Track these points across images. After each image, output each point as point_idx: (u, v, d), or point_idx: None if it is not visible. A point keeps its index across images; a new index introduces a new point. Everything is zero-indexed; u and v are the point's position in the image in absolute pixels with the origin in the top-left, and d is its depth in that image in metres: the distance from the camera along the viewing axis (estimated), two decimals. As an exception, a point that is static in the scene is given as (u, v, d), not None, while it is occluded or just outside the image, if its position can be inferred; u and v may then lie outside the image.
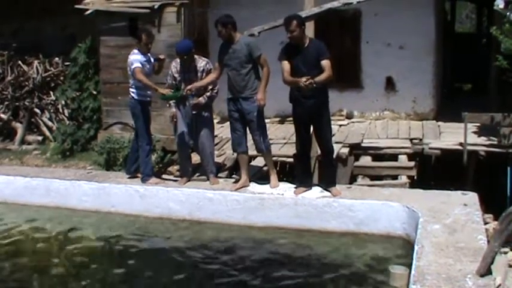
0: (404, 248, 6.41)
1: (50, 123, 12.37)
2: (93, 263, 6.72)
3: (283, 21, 7.06)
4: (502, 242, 4.78)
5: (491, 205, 7.08)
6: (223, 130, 10.62)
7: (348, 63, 11.23)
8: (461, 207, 6.59)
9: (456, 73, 14.84)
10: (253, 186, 7.66)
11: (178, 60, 7.82)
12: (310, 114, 7.10)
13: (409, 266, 5.32)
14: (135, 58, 7.84)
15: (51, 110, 12.49)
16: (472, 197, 6.92)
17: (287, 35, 6.98)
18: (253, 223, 7.30)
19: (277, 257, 6.62)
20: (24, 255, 7.01)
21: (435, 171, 9.03)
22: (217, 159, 8.62)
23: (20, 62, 12.77)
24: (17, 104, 12.66)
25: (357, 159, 9.18)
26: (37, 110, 12.52)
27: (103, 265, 6.68)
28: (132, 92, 8.00)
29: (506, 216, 4.71)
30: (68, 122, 11.76)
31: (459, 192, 7.14)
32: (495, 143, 8.87)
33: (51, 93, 12.52)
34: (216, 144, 9.18)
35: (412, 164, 8.82)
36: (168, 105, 8.13)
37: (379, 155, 9.28)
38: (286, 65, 7.03)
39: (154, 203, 7.80)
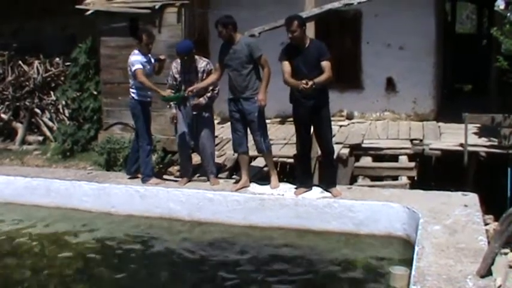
0: (404, 249, 6.40)
1: (50, 124, 12.37)
2: (93, 264, 6.71)
3: (284, 22, 7.06)
4: (502, 243, 4.78)
5: (491, 206, 7.09)
6: (223, 131, 10.62)
7: (348, 64, 11.23)
8: (462, 208, 6.59)
9: (456, 74, 14.83)
10: (254, 187, 7.66)
11: (178, 60, 7.82)
12: (311, 114, 7.11)
13: (409, 266, 5.32)
14: (136, 59, 7.84)
15: (52, 110, 12.49)
16: (473, 198, 6.92)
17: (288, 35, 6.98)
18: (254, 224, 7.30)
19: (278, 257, 6.61)
20: (24, 255, 6.98)
21: (435, 172, 9.03)
22: (217, 160, 8.62)
23: (20, 62, 12.77)
24: (17, 104, 12.66)
25: (357, 160, 9.18)
26: (37, 110, 12.52)
27: (103, 266, 6.66)
28: (133, 92, 7.99)
29: (506, 217, 4.71)
30: (68, 122, 11.76)
31: (459, 193, 7.14)
32: (495, 143, 8.87)
33: (52, 93, 12.52)
34: (217, 145, 9.17)
35: (413, 164, 8.82)
36: (168, 106, 8.13)
37: (379, 156, 9.28)
38: (286, 65, 7.03)
39: (154, 203, 7.80)
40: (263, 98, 7.31)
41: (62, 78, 12.51)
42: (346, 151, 9.07)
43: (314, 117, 7.14)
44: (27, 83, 12.69)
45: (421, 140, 9.52)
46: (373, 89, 11.59)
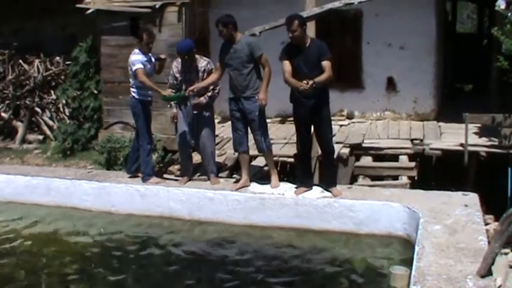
0: (404, 249, 6.40)
1: (50, 122, 12.37)
2: (93, 263, 6.72)
3: (285, 21, 7.06)
4: (502, 243, 4.78)
5: (492, 206, 7.09)
6: (224, 130, 10.62)
7: (348, 64, 11.24)
8: (462, 208, 6.59)
9: (457, 74, 14.83)
10: (254, 186, 7.66)
11: (179, 60, 7.82)
12: (311, 114, 7.10)
13: (409, 266, 5.32)
14: (137, 58, 7.83)
15: (52, 109, 12.49)
16: (473, 198, 6.91)
17: (288, 35, 6.98)
18: (254, 223, 7.29)
19: (277, 257, 6.61)
20: (23, 254, 6.98)
21: (436, 171, 9.03)
22: (218, 159, 8.61)
23: (21, 61, 12.77)
24: (17, 103, 12.66)
25: (357, 160, 9.18)
26: (38, 109, 12.52)
27: (102, 265, 6.66)
28: (133, 91, 7.99)
29: (506, 217, 4.71)
30: (68, 121, 11.76)
31: (460, 192, 7.14)
32: (496, 143, 8.88)
33: (52, 92, 12.52)
34: (217, 144, 9.17)
35: (413, 164, 8.83)
36: (169, 105, 8.12)
37: (379, 156, 9.28)
38: (287, 65, 7.02)
39: (155, 202, 7.80)
40: (264, 97, 7.31)
41: (63, 77, 12.51)
42: (346, 151, 9.07)
43: (314, 117, 7.14)
44: (27, 82, 12.68)
45: (421, 140, 9.52)
46: (373, 88, 11.59)
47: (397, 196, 7.13)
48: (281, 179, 7.86)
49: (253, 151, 7.96)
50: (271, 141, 8.03)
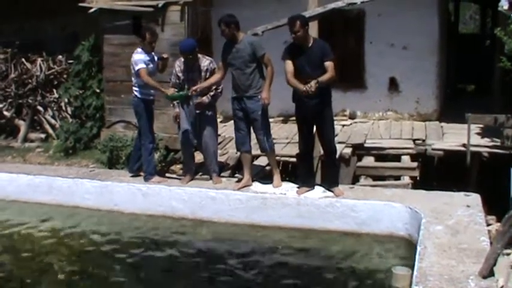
0: (406, 249, 6.40)
1: (53, 121, 12.40)
2: (93, 262, 6.72)
3: (287, 22, 7.05)
4: (504, 244, 4.78)
5: (494, 206, 7.09)
6: (226, 129, 10.63)
7: (351, 64, 11.23)
8: (464, 208, 6.58)
9: (460, 74, 14.82)
10: (256, 186, 7.66)
11: (182, 59, 7.82)
12: (313, 114, 7.10)
13: (411, 267, 5.31)
14: (139, 58, 7.82)
15: (54, 108, 12.52)
16: (475, 199, 6.91)
17: (291, 35, 6.98)
18: (256, 222, 7.29)
19: (279, 256, 6.62)
20: (25, 253, 6.99)
21: (438, 172, 9.03)
22: (220, 159, 8.61)
23: (23, 59, 12.79)
24: (20, 101, 12.69)
25: (359, 160, 9.18)
26: (40, 108, 12.55)
27: (103, 264, 6.67)
28: (136, 90, 7.99)
29: (509, 218, 4.71)
30: (71, 120, 11.78)
31: (462, 193, 7.14)
32: (498, 144, 8.87)
33: (55, 91, 12.55)
34: (219, 144, 9.17)
35: (415, 164, 8.82)
36: (172, 105, 8.13)
37: (382, 156, 9.28)
38: (289, 65, 7.02)
39: (156, 201, 7.80)
40: (267, 96, 7.30)
41: (65, 76, 12.54)
42: (348, 151, 9.08)
43: (317, 117, 7.13)
44: (30, 81, 12.72)
45: (423, 140, 9.51)
46: (376, 88, 11.58)
47: (399, 196, 7.13)
48: (283, 179, 7.86)
49: (255, 150, 7.96)
50: (274, 141, 8.03)
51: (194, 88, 7.54)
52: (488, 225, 6.38)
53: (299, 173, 7.85)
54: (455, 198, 6.95)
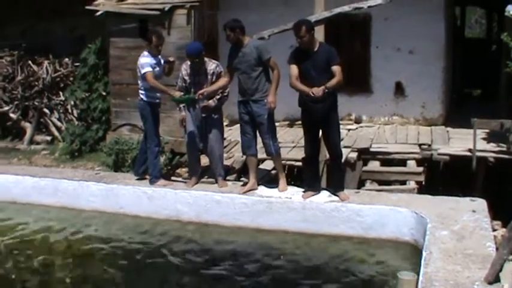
0: (412, 254, 6.39)
1: (59, 124, 12.42)
2: (98, 264, 6.74)
3: (293, 27, 7.06)
4: (510, 250, 4.76)
5: (499, 212, 7.07)
6: (232, 133, 10.63)
7: (357, 68, 11.21)
8: (470, 213, 6.57)
9: (466, 79, 14.78)
10: (262, 190, 7.66)
11: (188, 62, 7.83)
12: (319, 118, 7.10)
13: (417, 272, 5.30)
14: (146, 61, 7.82)
15: (61, 111, 12.54)
16: (481, 204, 6.90)
17: (296, 40, 6.98)
18: (261, 226, 7.29)
19: (284, 260, 6.61)
20: (31, 255, 7.01)
21: (444, 177, 9.00)
22: (226, 162, 8.61)
23: (30, 62, 12.82)
24: (26, 103, 12.71)
25: (365, 164, 9.17)
26: (46, 110, 12.57)
27: (107, 266, 6.69)
28: (141, 93, 8.00)
29: (515, 224, 4.70)
30: (76, 123, 11.80)
31: (468, 198, 7.13)
32: (504, 149, 8.84)
33: (61, 93, 12.56)
34: (225, 147, 9.17)
35: (421, 169, 8.81)
36: (178, 108, 8.13)
37: (387, 160, 9.26)
38: (294, 69, 7.03)
39: (162, 204, 7.81)
40: (273, 100, 7.30)
41: (71, 79, 12.55)
42: (354, 155, 9.06)
43: (322, 121, 7.13)
44: (36, 83, 12.73)
45: (429, 145, 9.49)
46: (382, 93, 11.57)
47: (405, 201, 7.12)
48: (289, 183, 7.87)
49: (261, 154, 7.96)
50: (280, 145, 8.03)
51: (201, 92, 7.55)
52: (494, 230, 6.36)
53: (305, 177, 7.85)
54: (461, 204, 6.94)
